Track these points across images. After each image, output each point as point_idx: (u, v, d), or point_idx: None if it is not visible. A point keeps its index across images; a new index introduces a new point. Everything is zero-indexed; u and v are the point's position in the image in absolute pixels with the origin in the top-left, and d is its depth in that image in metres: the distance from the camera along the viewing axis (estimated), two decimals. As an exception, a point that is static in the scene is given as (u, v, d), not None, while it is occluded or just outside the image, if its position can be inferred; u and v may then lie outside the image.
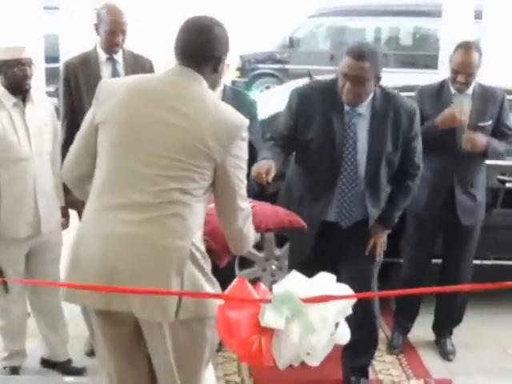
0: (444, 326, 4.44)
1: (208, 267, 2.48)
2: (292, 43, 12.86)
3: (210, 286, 2.47)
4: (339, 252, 3.55)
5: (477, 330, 4.56)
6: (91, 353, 3.97)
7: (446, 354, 4.33)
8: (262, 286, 2.38)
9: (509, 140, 4.11)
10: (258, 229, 2.88)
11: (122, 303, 2.38)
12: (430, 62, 11.08)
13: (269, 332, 2.22)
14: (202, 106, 2.42)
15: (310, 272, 3.41)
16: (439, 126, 3.88)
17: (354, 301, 2.33)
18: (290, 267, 3.78)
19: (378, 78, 3.29)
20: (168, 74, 2.53)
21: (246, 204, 2.55)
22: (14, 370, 3.92)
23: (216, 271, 2.63)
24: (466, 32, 7.60)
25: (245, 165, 2.51)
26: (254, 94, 7.20)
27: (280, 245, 4.60)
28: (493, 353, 4.41)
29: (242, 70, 13.01)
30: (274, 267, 4.65)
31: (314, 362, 2.28)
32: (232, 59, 3.12)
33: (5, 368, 3.86)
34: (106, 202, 2.42)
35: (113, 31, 3.85)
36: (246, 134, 2.47)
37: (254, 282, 4.44)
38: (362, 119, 3.40)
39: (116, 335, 2.56)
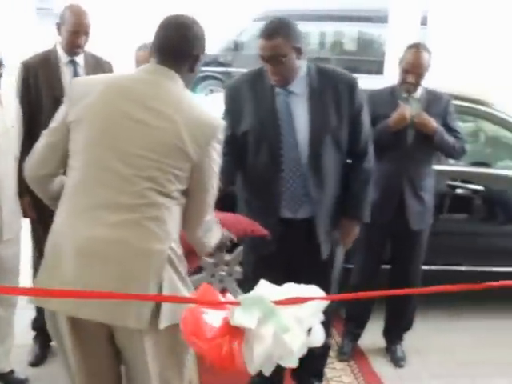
0: (394, 333, 4.42)
1: (184, 271, 2.45)
2: (236, 46, 12.85)
3: (187, 290, 2.43)
4: (296, 250, 3.42)
5: (427, 337, 4.56)
6: (35, 363, 3.86)
7: (396, 361, 4.32)
8: (229, 294, 2.31)
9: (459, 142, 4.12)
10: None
11: (95, 310, 2.29)
12: (374, 68, 11.16)
13: (239, 334, 2.15)
14: (178, 106, 2.39)
15: (265, 270, 3.33)
16: (392, 127, 3.89)
17: (327, 303, 2.28)
18: (245, 267, 3.79)
19: (299, 50, 3.12)
20: (144, 73, 2.47)
21: (210, 216, 2.56)
22: None
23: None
24: (412, 37, 7.55)
25: (217, 169, 2.49)
26: (199, 98, 7.11)
27: (229, 250, 4.52)
28: (443, 359, 4.42)
29: (187, 73, 12.91)
30: (223, 273, 4.56)
31: (290, 363, 2.21)
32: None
33: None
34: (82, 203, 2.35)
35: (75, 32, 3.72)
36: (221, 136, 2.46)
37: None
38: (298, 98, 3.24)
39: (88, 343, 2.45)
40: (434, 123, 3.95)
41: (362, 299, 4.20)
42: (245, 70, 3.55)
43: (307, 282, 3.34)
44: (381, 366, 4.24)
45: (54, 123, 2.49)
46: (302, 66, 3.23)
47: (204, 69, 13.02)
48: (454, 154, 4.15)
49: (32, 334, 4.04)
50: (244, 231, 3.19)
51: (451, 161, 4.66)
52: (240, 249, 4.42)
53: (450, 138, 4.02)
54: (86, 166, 2.37)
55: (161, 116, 2.35)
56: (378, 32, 12.05)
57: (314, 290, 2.26)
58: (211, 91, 12.47)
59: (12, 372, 3.75)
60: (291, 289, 2.24)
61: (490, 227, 4.96)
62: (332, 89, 3.25)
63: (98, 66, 3.87)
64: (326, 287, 3.42)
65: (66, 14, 3.74)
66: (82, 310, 2.30)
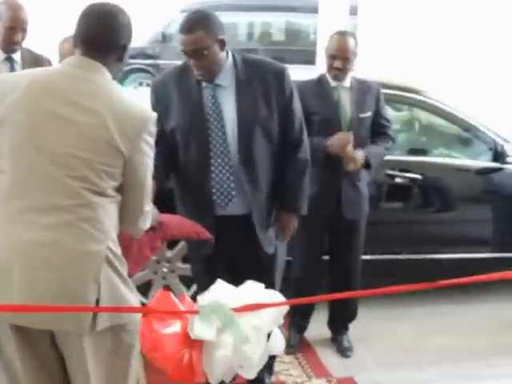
0: (339, 323, 4.43)
1: (124, 270, 2.36)
2: (164, 38, 12.72)
3: (128, 290, 2.35)
4: (237, 248, 3.40)
5: (372, 325, 4.58)
6: None
7: (343, 351, 4.33)
8: (187, 297, 2.28)
9: (388, 135, 4.16)
10: (164, 236, 2.81)
11: (36, 317, 2.22)
12: (303, 57, 11.21)
13: (199, 345, 2.12)
14: (106, 100, 2.29)
15: (210, 269, 3.35)
16: (329, 150, 3.90)
17: (287, 308, 2.26)
18: (192, 264, 3.73)
19: (222, 42, 3.08)
20: (69, 66, 2.36)
21: (148, 207, 2.48)
22: None
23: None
24: (342, 27, 7.64)
25: (151, 162, 2.41)
26: (127, 91, 6.98)
27: (171, 246, 4.47)
28: (388, 347, 4.45)
29: (114, 66, 12.74)
30: (165, 270, 4.48)
31: (250, 374, 2.20)
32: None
33: None
34: (13, 208, 2.26)
35: (12, 28, 3.61)
36: (153, 128, 2.37)
37: (146, 285, 4.41)
38: (225, 91, 3.20)
39: (31, 349, 2.36)
40: (360, 154, 3.93)
41: (305, 291, 4.19)
42: (173, 62, 3.49)
43: (251, 279, 3.36)
44: (328, 357, 4.24)
45: None
46: (226, 57, 3.18)
47: (132, 61, 12.84)
48: (388, 152, 4.23)
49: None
50: (187, 234, 3.16)
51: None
52: (182, 244, 4.37)
53: (379, 149, 4.09)
54: (15, 168, 2.27)
55: (86, 111, 2.25)
56: (307, 22, 12.11)
57: (273, 294, 2.25)
58: (140, 84, 12.34)
59: None
60: (250, 291, 2.22)
61: (428, 215, 5.04)
62: (260, 79, 3.21)
63: (36, 62, 3.73)
64: (270, 283, 3.46)
65: (1, 10, 3.62)
66: (23, 319, 2.24)
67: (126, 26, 2.39)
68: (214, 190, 3.24)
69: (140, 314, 2.39)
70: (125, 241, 2.54)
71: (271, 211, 3.37)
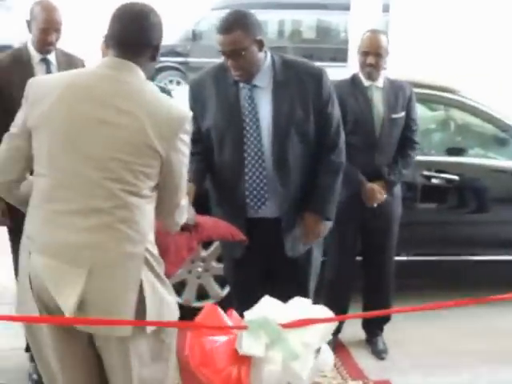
0: (374, 324, 4.39)
1: (162, 271, 2.40)
2: (195, 36, 12.72)
3: (167, 291, 2.40)
4: (269, 250, 3.36)
5: (406, 327, 4.52)
6: None
7: (378, 353, 4.30)
8: (235, 312, 2.26)
9: (413, 141, 4.13)
10: (200, 237, 2.84)
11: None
12: (333, 55, 11.16)
13: (247, 361, 2.11)
14: (141, 100, 2.30)
15: (241, 271, 3.42)
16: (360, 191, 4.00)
17: (336, 324, 2.25)
18: (224, 265, 3.75)
19: (260, 42, 3.06)
20: (103, 68, 2.37)
21: (184, 201, 2.52)
22: None
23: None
24: (374, 25, 7.61)
25: (187, 160, 2.44)
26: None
27: (206, 246, 4.46)
28: (423, 349, 4.42)
29: (145, 64, 12.78)
30: (199, 269, 4.48)
31: None
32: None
33: None
34: (52, 210, 2.28)
35: (46, 29, 3.56)
36: (189, 127, 2.39)
37: (180, 284, 4.40)
38: (262, 92, 3.17)
39: (70, 349, 2.38)
40: (381, 192, 4.01)
41: (337, 292, 4.21)
42: (204, 60, 3.50)
43: (283, 282, 3.32)
44: (363, 359, 4.21)
45: (15, 128, 2.40)
46: (265, 58, 3.16)
47: (162, 59, 12.85)
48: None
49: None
50: (222, 235, 3.19)
51: (426, 151, 4.70)
52: (216, 244, 4.36)
53: (403, 170, 4.09)
54: (53, 172, 2.29)
55: (122, 113, 2.26)
56: (338, 20, 12.07)
57: (321, 310, 2.22)
58: (171, 82, 12.38)
59: None
60: (297, 306, 2.21)
61: (464, 216, 4.98)
62: (297, 81, 3.17)
63: (70, 63, 3.71)
64: (303, 286, 3.45)
65: (35, 11, 3.59)
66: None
67: (158, 25, 2.40)
68: (247, 193, 3.22)
69: (177, 316, 2.41)
70: (162, 242, 2.56)
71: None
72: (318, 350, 2.20)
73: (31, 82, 2.40)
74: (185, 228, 2.75)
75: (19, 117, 2.38)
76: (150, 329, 2.29)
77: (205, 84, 3.27)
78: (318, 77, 3.20)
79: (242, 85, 3.17)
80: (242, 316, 2.28)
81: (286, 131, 3.16)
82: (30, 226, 2.35)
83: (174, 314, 2.40)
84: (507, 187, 5.02)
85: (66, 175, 2.27)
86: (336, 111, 3.30)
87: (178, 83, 12.48)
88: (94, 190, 2.25)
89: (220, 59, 3.29)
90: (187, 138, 2.39)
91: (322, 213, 3.35)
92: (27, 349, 3.70)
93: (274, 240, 3.30)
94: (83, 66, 3.83)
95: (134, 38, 2.34)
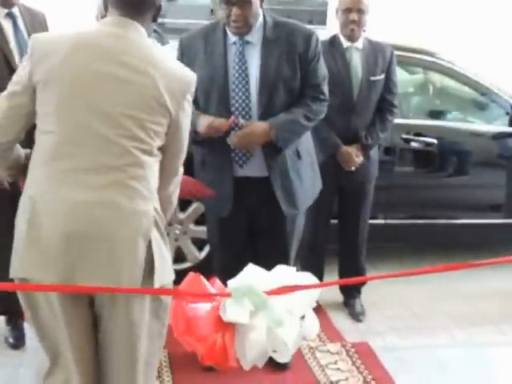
0: (351, 287, 4.38)
1: (163, 229, 2.40)
2: (168, -5, 12.55)
3: (168, 248, 2.43)
4: (255, 211, 3.37)
5: (383, 290, 4.53)
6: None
7: (356, 315, 4.31)
8: (218, 281, 2.25)
9: (392, 104, 4.08)
10: None
11: (90, 274, 2.24)
12: (312, 17, 11.06)
13: (231, 328, 2.10)
14: (152, 59, 2.31)
15: (226, 231, 3.41)
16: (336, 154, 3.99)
17: (319, 291, 2.23)
18: (208, 226, 3.70)
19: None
20: (111, 26, 2.35)
21: (181, 168, 2.52)
22: None
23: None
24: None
25: (189, 122, 2.47)
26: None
27: (183, 209, 4.41)
28: (400, 312, 4.45)
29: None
30: (177, 232, 4.43)
31: (284, 358, 2.18)
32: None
33: None
34: (63, 167, 2.24)
35: None
36: (193, 89, 2.43)
37: None
38: (252, 48, 3.21)
39: (77, 313, 2.36)
40: (358, 156, 4.01)
41: (315, 253, 4.26)
42: (180, 21, 3.53)
43: (267, 241, 3.32)
44: (341, 321, 4.21)
45: (15, 86, 2.31)
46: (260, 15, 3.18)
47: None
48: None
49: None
50: (189, 192, 3.18)
51: (404, 114, 4.68)
52: (194, 207, 4.33)
53: (380, 133, 4.06)
54: (63, 128, 2.25)
55: (136, 71, 2.26)
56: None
57: (305, 277, 2.22)
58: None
59: None
60: (281, 274, 2.20)
61: (443, 179, 5.00)
62: (286, 39, 3.19)
63: (33, 17, 3.66)
64: (285, 247, 3.46)
65: None
66: (76, 276, 2.23)
67: None
68: (232, 147, 3.21)
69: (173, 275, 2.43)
70: None
71: (292, 169, 3.32)
72: (303, 317, 2.19)
73: (35, 37, 2.35)
74: None
75: (21, 74, 2.32)
76: (157, 284, 2.30)
77: (194, 40, 3.28)
78: (307, 37, 3.22)
79: (231, 41, 3.19)
80: (224, 282, 2.26)
81: (274, 85, 3.18)
82: (33, 185, 2.29)
83: (172, 273, 2.43)
84: (485, 151, 5.02)
85: (77, 132, 2.24)
86: (323, 70, 3.31)
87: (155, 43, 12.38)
88: (107, 146, 2.24)
89: (197, 20, 3.29)
90: (191, 101, 2.43)
91: (273, 126, 3.18)
92: (4, 312, 3.67)
93: (262, 200, 3.30)
94: (44, 19, 3.80)
95: None
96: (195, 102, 3.11)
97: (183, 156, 2.48)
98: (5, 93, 2.33)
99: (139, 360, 2.41)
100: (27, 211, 2.26)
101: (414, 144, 4.72)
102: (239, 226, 3.41)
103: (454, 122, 5.13)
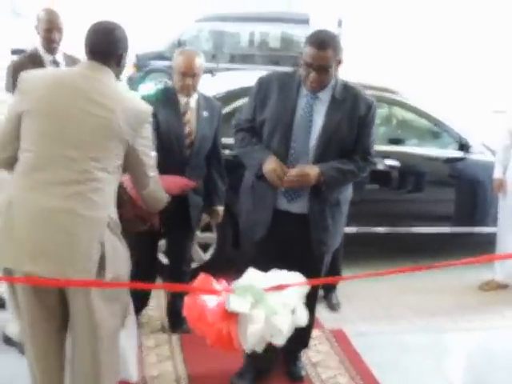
0: (329, 284, 4.37)
1: (119, 231, 2.48)
2: (180, 44, 12.49)
3: (123, 246, 2.50)
4: (288, 237, 3.08)
5: (355, 286, 4.49)
6: None
7: (332, 307, 4.32)
8: (224, 281, 2.27)
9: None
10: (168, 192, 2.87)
11: (48, 267, 2.31)
12: (296, 61, 11.07)
13: (234, 318, 2.10)
14: (114, 97, 2.42)
15: (260, 252, 3.10)
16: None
17: (308, 287, 2.25)
18: (243, 248, 3.32)
19: (339, 62, 2.88)
20: (82, 69, 2.48)
21: (153, 173, 2.62)
22: None
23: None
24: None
25: (150, 143, 2.57)
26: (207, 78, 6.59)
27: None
28: (370, 303, 4.46)
29: (138, 66, 12.67)
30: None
31: (280, 341, 2.18)
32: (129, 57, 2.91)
33: None
34: (38, 179, 2.35)
35: (50, 29, 3.77)
36: (150, 119, 2.54)
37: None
38: (320, 103, 2.96)
39: (41, 299, 2.44)
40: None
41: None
42: None
43: (299, 268, 2.81)
44: (320, 312, 4.14)
45: (11, 112, 2.44)
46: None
47: (152, 62, 12.78)
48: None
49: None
50: (180, 188, 3.22)
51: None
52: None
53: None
54: (41, 149, 2.35)
55: (101, 106, 2.36)
56: (299, 32, 11.89)
57: (296, 277, 2.24)
58: (160, 82, 12.26)
59: None
60: (277, 275, 2.21)
61: (403, 195, 5.00)
62: (352, 100, 2.96)
63: (74, 63, 3.69)
64: (316, 274, 3.07)
65: (40, 16, 3.82)
66: (37, 268, 2.29)
67: (122, 39, 2.51)
68: (286, 194, 3.02)
69: (130, 267, 2.53)
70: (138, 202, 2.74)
71: (330, 215, 3.08)
72: (295, 310, 2.21)
73: (23, 75, 2.47)
74: None
75: (13, 103, 2.46)
76: (108, 277, 2.36)
77: (270, 84, 3.03)
78: (369, 104, 2.99)
79: (304, 93, 2.96)
80: None
81: (330, 140, 2.95)
82: (13, 192, 2.37)
83: (127, 266, 2.51)
84: (438, 172, 5.04)
85: (50, 152, 2.34)
86: (374, 136, 3.12)
87: (166, 83, 12.39)
88: (72, 165, 2.33)
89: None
90: (149, 127, 2.54)
91: (324, 175, 2.94)
92: None
93: (298, 234, 3.06)
94: None
95: (101, 48, 2.45)
96: (260, 135, 3.05)
97: (149, 166, 2.56)
98: (5, 120, 2.46)
99: (99, 331, 2.46)
100: (3, 214, 2.35)
101: (379, 166, 4.70)
102: (271, 251, 3.04)
103: (413, 148, 5.13)
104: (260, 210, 3.06)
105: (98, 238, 2.33)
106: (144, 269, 3.41)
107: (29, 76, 2.46)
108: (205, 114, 3.52)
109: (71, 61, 3.82)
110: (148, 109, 2.50)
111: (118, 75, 2.53)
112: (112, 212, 2.43)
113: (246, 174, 3.23)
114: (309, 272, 2.43)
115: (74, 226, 2.31)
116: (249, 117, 3.10)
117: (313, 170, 2.89)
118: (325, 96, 2.95)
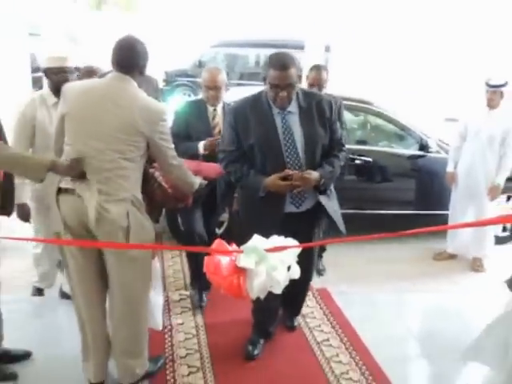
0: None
1: (143, 209, 2.49)
2: (200, 64, 12.53)
3: (147, 220, 2.51)
4: (292, 230, 2.80)
5: (338, 255, 4.57)
6: None
7: (318, 271, 4.32)
8: (234, 245, 2.29)
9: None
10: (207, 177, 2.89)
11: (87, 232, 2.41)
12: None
13: (243, 272, 2.15)
14: (133, 100, 2.41)
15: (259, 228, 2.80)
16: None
17: (299, 250, 2.28)
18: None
19: (300, 77, 2.73)
20: (110, 79, 2.47)
21: (176, 160, 2.57)
22: (40, 292, 3.58)
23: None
24: (319, 59, 7.64)
25: (169, 137, 2.51)
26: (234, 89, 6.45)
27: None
28: (349, 269, 4.47)
29: (167, 81, 12.71)
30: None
31: (278, 290, 2.23)
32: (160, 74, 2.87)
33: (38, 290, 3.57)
34: None
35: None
36: (165, 117, 2.47)
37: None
38: (292, 116, 2.78)
39: (87, 260, 2.51)
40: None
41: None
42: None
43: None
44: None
45: (58, 115, 2.50)
46: None
47: (179, 79, 12.83)
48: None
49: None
50: (217, 173, 3.11)
51: (351, 142, 4.71)
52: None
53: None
54: (75, 143, 2.40)
55: (123, 107, 2.38)
56: (297, 55, 11.85)
57: (290, 241, 2.28)
58: (185, 94, 12.33)
59: None
60: (275, 240, 2.25)
61: (374, 184, 4.98)
62: (316, 105, 2.81)
63: (148, 81, 3.63)
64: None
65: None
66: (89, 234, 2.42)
67: (142, 52, 2.47)
68: (289, 194, 2.84)
69: (153, 236, 2.54)
70: (171, 187, 2.68)
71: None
72: (290, 266, 2.23)
73: (65, 86, 2.51)
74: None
75: (59, 108, 2.50)
76: (132, 241, 2.41)
77: (244, 110, 2.82)
78: (330, 104, 2.85)
79: (276, 111, 2.78)
80: None
81: (314, 144, 2.81)
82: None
83: (151, 236, 2.50)
84: (403, 166, 5.02)
85: (83, 146, 2.38)
86: (339, 129, 3.02)
87: (189, 95, 12.43)
88: (102, 156, 2.36)
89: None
90: (166, 124, 2.49)
91: (322, 175, 2.83)
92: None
93: (303, 226, 2.89)
94: (157, 83, 3.89)
95: (125, 61, 2.43)
96: (250, 158, 2.82)
97: (171, 155, 2.52)
98: (56, 121, 2.52)
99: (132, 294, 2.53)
100: (59, 201, 2.45)
101: (357, 161, 4.74)
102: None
103: (383, 147, 5.13)
104: (270, 214, 2.81)
105: (125, 211, 2.38)
106: (199, 235, 3.41)
107: (69, 86, 2.53)
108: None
109: (144, 79, 3.41)
110: (163, 109, 2.46)
111: (140, 82, 2.49)
112: (136, 193, 2.44)
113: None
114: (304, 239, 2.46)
115: (106, 201, 2.36)
116: (233, 147, 2.85)
117: (313, 175, 2.77)
118: (293, 108, 2.79)
